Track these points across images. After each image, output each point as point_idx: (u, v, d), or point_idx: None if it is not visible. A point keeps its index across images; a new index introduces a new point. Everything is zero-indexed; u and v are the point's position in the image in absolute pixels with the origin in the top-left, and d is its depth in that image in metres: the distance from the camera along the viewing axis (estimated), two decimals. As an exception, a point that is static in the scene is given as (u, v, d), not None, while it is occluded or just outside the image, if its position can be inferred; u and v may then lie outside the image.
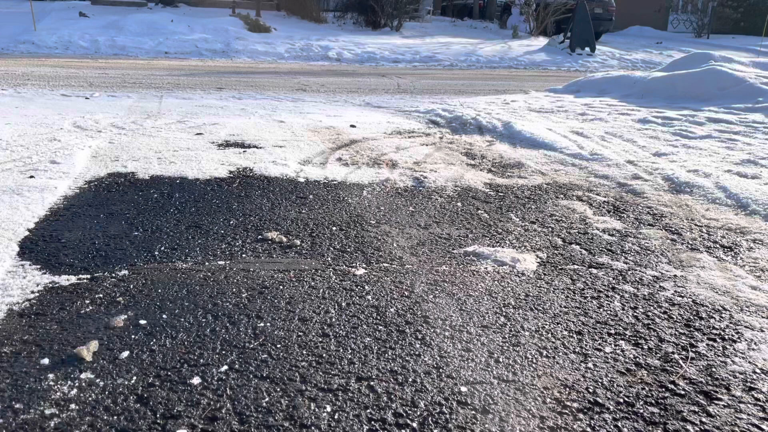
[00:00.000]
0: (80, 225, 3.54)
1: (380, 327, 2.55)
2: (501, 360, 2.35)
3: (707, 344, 2.53)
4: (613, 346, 2.49)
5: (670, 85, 9.84)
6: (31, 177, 4.23)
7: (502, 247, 3.49)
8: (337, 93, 10.04)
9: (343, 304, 2.74)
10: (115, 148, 5.32)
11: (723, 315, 2.78)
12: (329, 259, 3.22)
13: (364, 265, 3.16)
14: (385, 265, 3.17)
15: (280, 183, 4.48)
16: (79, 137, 5.55)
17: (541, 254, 3.41)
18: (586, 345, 2.49)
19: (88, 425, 1.92)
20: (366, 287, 2.91)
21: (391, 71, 13.50)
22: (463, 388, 2.17)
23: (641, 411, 2.08)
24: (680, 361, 2.40)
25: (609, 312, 2.77)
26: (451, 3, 33.02)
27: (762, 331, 2.64)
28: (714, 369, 2.36)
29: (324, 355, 2.34)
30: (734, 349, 2.51)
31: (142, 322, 2.52)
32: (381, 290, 2.88)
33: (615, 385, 2.23)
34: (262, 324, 2.54)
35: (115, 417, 1.96)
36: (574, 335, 2.56)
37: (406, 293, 2.86)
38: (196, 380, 2.16)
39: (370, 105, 8.81)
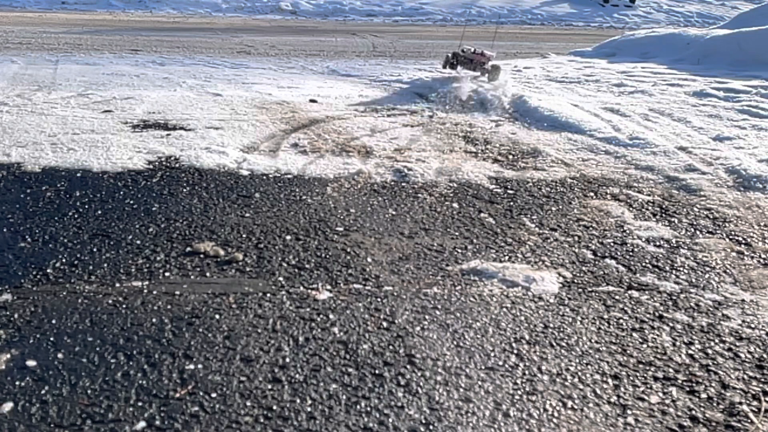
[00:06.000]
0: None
1: (350, 370, 2.55)
2: (512, 414, 2.35)
3: (784, 391, 2.55)
4: (661, 394, 2.50)
5: (736, 46, 9.92)
6: None
7: (513, 262, 3.50)
8: (292, 57, 10.04)
9: (301, 339, 2.73)
10: (-6, 129, 5.28)
11: (805, 352, 2.81)
12: (281, 278, 3.22)
13: (329, 287, 3.15)
14: (357, 286, 3.17)
15: (216, 177, 4.46)
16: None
17: (564, 272, 3.42)
18: (624, 394, 2.50)
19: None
20: (331, 316, 2.90)
21: (364, 28, 13.49)
22: (462, 451, 2.18)
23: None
24: (751, 416, 2.42)
25: (656, 349, 2.78)
26: None
27: None
28: (793, 423, 2.38)
29: (275, 407, 2.33)
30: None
31: (31, 363, 2.50)
32: (351, 320, 2.88)
33: (663, 445, 2.24)
34: (191, 366, 2.52)
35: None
36: (609, 380, 2.57)
37: (385, 324, 2.85)
38: (102, 443, 2.14)
39: (336, 73, 8.82)
